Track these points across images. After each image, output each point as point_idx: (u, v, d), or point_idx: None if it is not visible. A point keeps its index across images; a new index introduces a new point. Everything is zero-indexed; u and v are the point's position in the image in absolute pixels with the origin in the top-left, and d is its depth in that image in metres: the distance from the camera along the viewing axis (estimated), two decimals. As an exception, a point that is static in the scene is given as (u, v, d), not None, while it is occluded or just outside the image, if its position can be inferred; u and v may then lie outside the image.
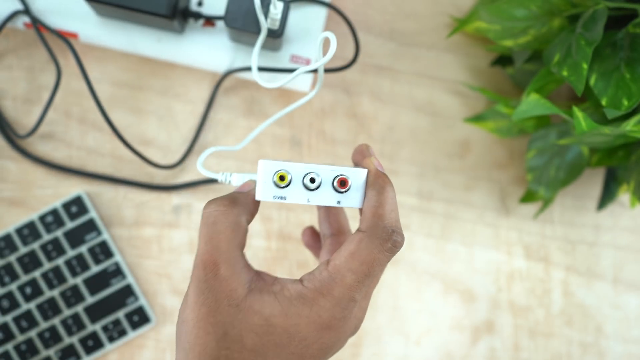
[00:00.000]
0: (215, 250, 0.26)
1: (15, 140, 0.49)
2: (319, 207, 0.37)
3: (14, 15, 0.46)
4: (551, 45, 0.42)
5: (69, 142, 0.50)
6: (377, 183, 0.28)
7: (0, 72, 0.49)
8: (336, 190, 0.28)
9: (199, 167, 0.33)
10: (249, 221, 0.28)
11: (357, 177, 0.28)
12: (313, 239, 0.38)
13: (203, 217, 0.27)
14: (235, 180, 0.32)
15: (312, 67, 0.34)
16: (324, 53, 0.48)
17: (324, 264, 0.27)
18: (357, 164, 0.31)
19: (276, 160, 0.28)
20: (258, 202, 0.29)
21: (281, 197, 0.28)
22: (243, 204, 0.28)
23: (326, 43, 0.50)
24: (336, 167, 0.28)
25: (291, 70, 0.46)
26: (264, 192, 0.28)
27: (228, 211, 0.27)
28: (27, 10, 0.46)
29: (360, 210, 0.28)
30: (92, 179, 0.49)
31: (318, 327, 0.26)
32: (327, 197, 0.28)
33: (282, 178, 0.27)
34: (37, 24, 0.46)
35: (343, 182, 0.28)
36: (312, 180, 0.28)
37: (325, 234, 0.36)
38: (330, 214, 0.36)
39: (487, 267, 0.52)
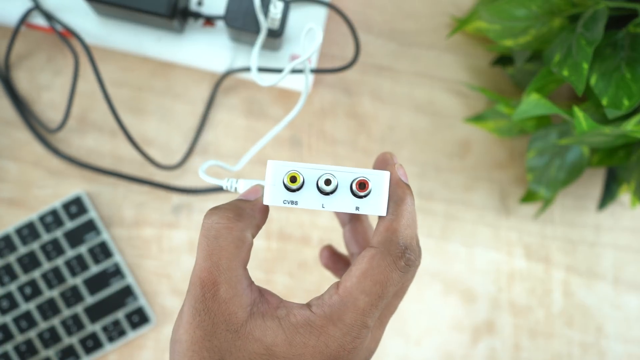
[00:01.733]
0: (215, 268, 0.24)
1: (44, 136, 0.49)
2: (345, 225, 0.34)
3: (27, 14, 0.46)
4: (551, 45, 0.42)
5: (69, 142, 0.50)
6: (396, 193, 0.25)
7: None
8: (355, 195, 0.25)
9: (202, 175, 0.30)
10: (254, 235, 0.26)
11: (378, 180, 0.25)
12: (332, 259, 0.35)
13: (203, 229, 0.25)
14: (242, 187, 0.29)
15: (300, 60, 0.33)
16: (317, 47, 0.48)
17: (334, 287, 0.24)
18: None
19: (288, 162, 0.26)
20: (266, 212, 0.27)
21: (292, 202, 0.25)
22: (249, 215, 0.26)
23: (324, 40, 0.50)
24: (355, 168, 0.25)
25: (291, 71, 0.46)
26: (273, 196, 0.25)
27: (232, 225, 0.24)
28: (39, 7, 0.46)
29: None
30: (92, 179, 0.49)
31: (324, 358, 0.23)
32: (345, 202, 0.25)
33: (293, 179, 0.25)
34: (51, 21, 0.46)
35: (362, 185, 0.25)
36: (328, 183, 0.25)
37: (353, 253, 0.33)
38: (357, 231, 0.33)
39: (487, 267, 0.52)
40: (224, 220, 0.24)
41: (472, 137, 0.53)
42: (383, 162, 0.28)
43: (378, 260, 0.24)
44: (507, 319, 0.52)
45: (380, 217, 0.25)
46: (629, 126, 0.37)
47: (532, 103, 0.40)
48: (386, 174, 0.25)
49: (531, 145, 0.48)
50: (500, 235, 0.52)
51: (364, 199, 0.25)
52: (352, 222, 0.33)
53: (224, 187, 0.30)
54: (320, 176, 0.25)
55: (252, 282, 0.25)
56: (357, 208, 0.25)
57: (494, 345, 0.52)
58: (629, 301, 0.53)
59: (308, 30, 0.31)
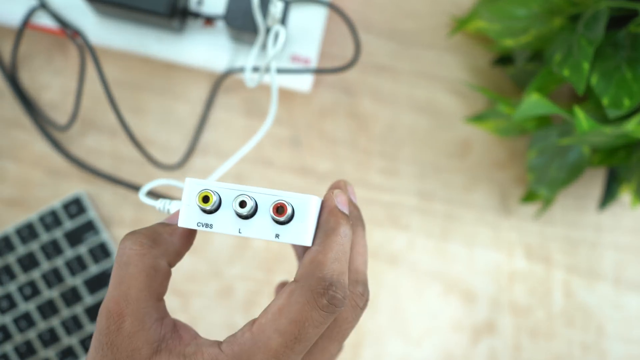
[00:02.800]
0: (123, 298, 0.22)
1: (52, 133, 0.49)
2: (299, 257, 0.30)
3: (32, 13, 0.46)
4: (552, 44, 0.42)
5: (69, 142, 0.49)
6: (328, 223, 0.23)
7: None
8: (275, 221, 0.22)
9: (141, 197, 0.28)
10: (172, 263, 0.24)
11: (302, 205, 0.22)
12: None
13: (117, 254, 0.23)
14: (174, 209, 0.26)
15: (266, 61, 0.30)
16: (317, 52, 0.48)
17: (249, 324, 0.22)
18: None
19: (208, 180, 0.23)
20: (189, 237, 0.24)
21: (206, 225, 0.23)
22: (166, 241, 0.23)
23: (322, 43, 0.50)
24: (278, 191, 0.22)
25: (291, 71, 0.46)
26: (188, 218, 0.23)
27: (144, 251, 0.22)
28: (45, 6, 0.45)
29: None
30: (92, 180, 0.49)
31: None
32: (264, 228, 0.22)
33: (206, 199, 0.22)
34: (59, 20, 0.46)
35: (281, 209, 0.22)
36: (243, 205, 0.22)
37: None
38: (304, 247, 0.29)
39: (487, 268, 0.52)
40: (136, 245, 0.23)
41: (472, 137, 0.52)
42: (331, 188, 0.25)
43: (297, 296, 0.21)
44: (507, 319, 0.52)
45: (307, 249, 0.23)
46: (630, 126, 0.36)
47: (533, 103, 0.40)
48: (313, 199, 0.22)
49: (531, 145, 0.48)
50: (500, 235, 0.52)
51: (286, 225, 0.22)
52: None
53: (157, 208, 0.27)
54: (236, 197, 0.22)
55: (165, 316, 0.23)
56: (277, 235, 0.22)
57: (494, 345, 0.52)
58: (629, 301, 0.53)
59: (275, 32, 0.29)
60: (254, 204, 0.22)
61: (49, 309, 0.48)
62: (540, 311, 0.52)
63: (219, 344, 0.22)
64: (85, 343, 0.48)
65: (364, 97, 0.52)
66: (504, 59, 0.51)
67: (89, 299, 0.48)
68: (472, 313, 0.52)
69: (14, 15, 0.46)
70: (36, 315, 0.48)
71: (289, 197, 0.22)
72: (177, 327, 0.23)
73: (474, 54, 0.53)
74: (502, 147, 0.53)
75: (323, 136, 0.51)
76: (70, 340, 0.48)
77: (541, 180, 0.49)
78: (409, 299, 0.51)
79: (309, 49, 0.48)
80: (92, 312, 0.48)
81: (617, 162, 0.47)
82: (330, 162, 0.51)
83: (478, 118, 0.50)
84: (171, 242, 0.24)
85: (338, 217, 0.23)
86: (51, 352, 0.47)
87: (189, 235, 0.24)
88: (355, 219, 0.26)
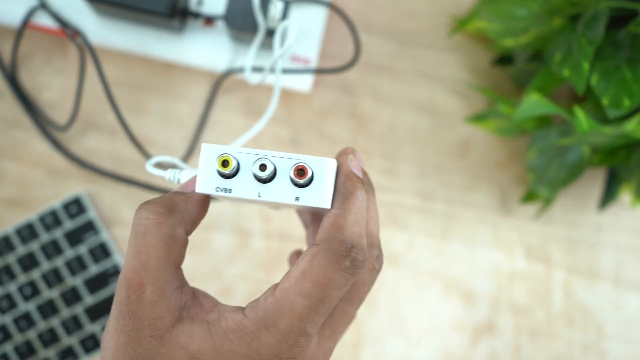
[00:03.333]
0: (142, 268, 0.22)
1: (52, 133, 0.49)
2: (306, 225, 0.31)
3: (32, 13, 0.46)
4: (552, 44, 0.42)
5: (69, 142, 0.49)
6: (345, 186, 0.23)
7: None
8: (295, 184, 0.23)
9: (148, 168, 0.27)
10: (189, 231, 0.24)
11: (322, 168, 0.22)
12: None
13: (133, 225, 0.23)
14: (185, 178, 0.26)
15: (273, 60, 0.30)
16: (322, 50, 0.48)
17: (272, 289, 0.22)
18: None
19: (222, 145, 0.23)
20: (204, 205, 0.24)
21: (225, 190, 0.23)
22: (182, 210, 0.23)
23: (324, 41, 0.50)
24: (296, 154, 0.23)
25: (291, 71, 0.46)
26: (205, 183, 0.23)
27: (162, 220, 0.22)
28: (45, 6, 0.45)
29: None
30: (92, 179, 0.49)
31: None
32: (284, 191, 0.22)
33: (225, 164, 0.22)
34: (59, 20, 0.46)
35: (301, 172, 0.22)
36: (263, 168, 0.22)
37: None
38: (312, 215, 0.30)
39: (487, 268, 0.52)
40: (153, 215, 0.22)
41: (473, 137, 0.52)
42: (341, 155, 0.26)
43: (319, 259, 0.21)
44: (507, 319, 0.52)
45: (326, 213, 0.23)
46: (630, 126, 0.36)
47: (533, 103, 0.40)
48: (331, 162, 0.23)
49: (532, 145, 0.48)
50: (500, 235, 0.52)
51: (305, 188, 0.22)
52: (315, 223, 0.30)
53: (167, 179, 0.27)
54: (255, 161, 0.22)
55: (185, 284, 0.23)
56: (297, 198, 0.22)
57: (494, 345, 0.52)
58: (629, 301, 0.53)
59: (284, 29, 0.28)
60: (274, 168, 0.22)
61: (49, 309, 0.48)
62: (540, 311, 0.52)
63: (242, 309, 0.22)
64: (85, 343, 0.48)
65: (364, 97, 0.52)
66: (504, 59, 0.51)
67: (89, 299, 0.48)
68: (472, 313, 0.52)
69: (14, 15, 0.46)
70: (36, 315, 0.48)
71: (308, 160, 0.23)
72: (197, 295, 0.23)
73: (474, 54, 0.53)
74: (502, 147, 0.53)
75: (323, 136, 0.51)
76: (70, 340, 0.48)
77: (541, 180, 0.49)
78: (408, 298, 0.51)
79: (309, 49, 0.48)
80: (92, 312, 0.48)
81: (617, 162, 0.47)
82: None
83: (478, 118, 0.50)
84: (187, 210, 0.23)
85: (354, 181, 0.23)
86: (51, 352, 0.47)
87: (204, 202, 0.24)
88: (366, 184, 0.26)
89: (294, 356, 0.21)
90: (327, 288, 0.21)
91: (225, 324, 0.21)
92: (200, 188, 0.23)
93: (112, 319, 0.22)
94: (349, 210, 0.22)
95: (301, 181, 0.22)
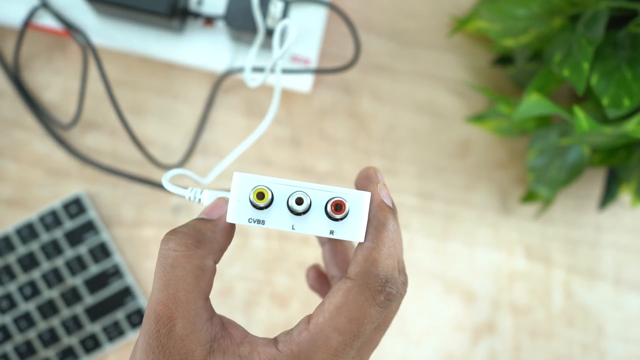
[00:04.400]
0: (172, 301, 0.21)
1: (56, 131, 0.49)
2: (324, 244, 0.31)
3: (34, 12, 0.46)
4: (552, 44, 0.42)
5: (70, 142, 0.49)
6: (377, 217, 0.23)
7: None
8: (330, 217, 0.22)
9: (165, 184, 0.26)
10: (217, 260, 0.23)
11: (357, 201, 0.22)
12: (319, 281, 0.31)
13: (160, 256, 0.22)
14: (206, 199, 0.26)
15: (273, 60, 0.30)
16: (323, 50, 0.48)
17: (305, 322, 0.22)
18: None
19: (257, 175, 0.23)
20: (231, 232, 0.24)
21: (259, 221, 0.22)
22: (210, 240, 0.23)
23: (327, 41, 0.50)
24: (331, 187, 0.22)
25: (291, 71, 0.46)
26: (238, 214, 0.22)
27: (190, 253, 0.22)
28: (46, 6, 0.45)
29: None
30: (92, 179, 0.49)
31: None
32: (318, 224, 0.22)
33: (261, 196, 0.22)
34: (61, 20, 0.46)
35: (339, 206, 0.22)
36: (300, 202, 0.22)
37: (333, 275, 0.30)
38: (337, 252, 0.30)
39: (487, 268, 0.52)
40: (181, 247, 0.22)
41: (473, 137, 0.52)
42: (366, 180, 0.25)
43: (355, 294, 0.21)
44: (507, 319, 0.52)
45: (358, 244, 0.23)
46: (630, 126, 0.36)
47: (533, 103, 0.40)
48: (366, 195, 0.23)
49: (532, 145, 0.48)
50: (500, 235, 0.52)
51: (340, 222, 0.22)
52: (332, 241, 0.30)
53: (187, 198, 0.26)
54: (292, 194, 0.22)
55: (214, 315, 0.23)
56: (332, 232, 0.22)
57: (494, 345, 0.52)
58: (629, 301, 0.53)
59: (283, 28, 0.28)
60: (309, 201, 0.22)
61: (49, 309, 0.48)
62: (540, 311, 0.52)
63: (275, 342, 0.22)
64: (85, 343, 0.48)
65: (364, 97, 0.52)
66: (504, 59, 0.51)
67: (89, 299, 0.48)
68: (472, 313, 0.52)
69: (15, 15, 0.46)
70: (36, 315, 0.48)
71: (345, 194, 0.22)
72: (225, 325, 0.23)
73: (474, 54, 0.53)
74: (502, 147, 0.53)
75: (323, 136, 0.51)
76: (70, 340, 0.48)
77: (541, 180, 0.49)
78: (409, 298, 0.51)
79: (309, 49, 0.48)
80: (92, 312, 0.48)
81: (617, 162, 0.47)
82: (330, 162, 0.51)
83: (478, 118, 0.50)
84: (215, 240, 0.23)
85: (386, 212, 0.23)
86: (51, 352, 0.47)
87: (231, 230, 0.24)
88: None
89: None
90: (363, 323, 0.21)
91: (258, 358, 0.21)
92: (232, 218, 0.22)
93: (141, 353, 0.22)
94: (382, 243, 0.22)
95: (339, 216, 0.22)
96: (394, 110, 0.52)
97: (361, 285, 0.21)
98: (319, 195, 0.22)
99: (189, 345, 0.21)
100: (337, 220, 0.22)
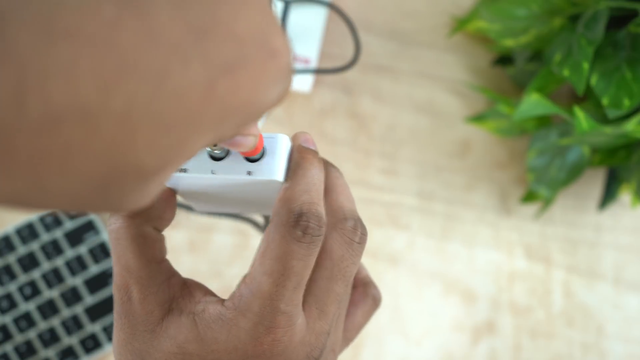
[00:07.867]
0: (125, 270, 0.23)
1: None
2: None
3: None
4: (552, 44, 0.42)
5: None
6: (294, 159, 0.23)
7: None
8: (246, 158, 0.23)
9: None
10: (160, 227, 0.24)
11: (274, 142, 0.23)
12: None
13: (108, 233, 0.23)
14: None
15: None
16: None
17: (243, 277, 0.22)
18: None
19: None
20: (169, 199, 0.24)
21: (182, 169, 0.23)
22: (146, 208, 0.23)
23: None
24: None
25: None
26: None
27: (127, 223, 0.23)
28: None
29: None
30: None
31: (241, 355, 0.21)
32: (237, 167, 0.23)
33: None
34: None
35: None
36: (216, 145, 0.22)
37: None
38: None
39: (487, 268, 0.52)
40: (119, 220, 0.23)
41: (472, 137, 0.52)
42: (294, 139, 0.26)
43: (272, 234, 0.21)
44: (507, 319, 0.52)
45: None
46: (630, 126, 0.36)
47: (533, 103, 0.40)
48: (282, 136, 0.23)
49: (532, 145, 0.48)
50: (500, 235, 0.52)
51: (257, 163, 0.22)
52: None
53: None
54: None
55: (172, 275, 0.24)
56: (250, 172, 0.22)
57: (494, 345, 0.52)
58: (629, 301, 0.53)
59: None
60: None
61: (49, 309, 0.48)
62: (540, 311, 0.52)
63: (223, 301, 0.23)
64: (85, 343, 0.48)
65: (364, 97, 0.52)
66: (504, 59, 0.51)
67: (89, 299, 0.48)
68: (472, 313, 0.52)
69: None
70: (36, 315, 0.48)
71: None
72: (187, 285, 0.24)
73: (474, 54, 0.53)
74: (502, 147, 0.53)
75: (323, 136, 0.51)
76: (70, 340, 0.48)
77: (541, 180, 0.49)
78: (409, 298, 0.51)
79: (309, 49, 0.48)
80: (93, 312, 0.48)
81: (617, 162, 0.47)
82: (331, 163, 0.51)
83: (478, 118, 0.50)
84: (151, 207, 0.24)
85: (303, 152, 0.23)
86: (51, 352, 0.48)
87: (167, 197, 0.24)
88: (326, 163, 0.27)
89: (278, 338, 0.21)
90: (287, 260, 0.21)
91: (208, 314, 0.22)
92: None
93: (114, 322, 0.24)
94: (296, 181, 0.22)
95: (253, 157, 0.22)
96: (393, 110, 0.52)
97: (277, 223, 0.21)
98: None
99: (147, 307, 0.22)
100: (253, 160, 0.23)
